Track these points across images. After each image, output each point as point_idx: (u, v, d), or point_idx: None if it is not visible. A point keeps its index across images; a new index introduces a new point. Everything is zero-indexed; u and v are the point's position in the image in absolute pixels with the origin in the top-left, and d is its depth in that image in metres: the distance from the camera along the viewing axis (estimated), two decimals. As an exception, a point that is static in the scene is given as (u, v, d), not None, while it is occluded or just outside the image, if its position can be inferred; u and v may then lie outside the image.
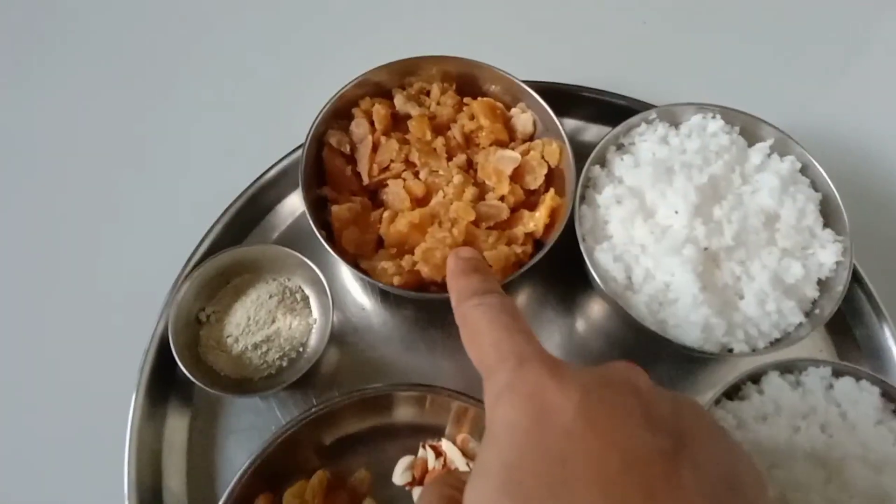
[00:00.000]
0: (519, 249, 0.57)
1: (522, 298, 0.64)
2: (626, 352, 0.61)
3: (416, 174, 0.60)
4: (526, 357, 0.31)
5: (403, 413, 0.57)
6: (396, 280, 0.54)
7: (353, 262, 0.56)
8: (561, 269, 0.62)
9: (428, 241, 0.56)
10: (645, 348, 0.60)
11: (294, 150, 0.65)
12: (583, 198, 0.59)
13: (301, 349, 0.60)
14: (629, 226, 0.57)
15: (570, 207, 0.57)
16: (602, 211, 0.58)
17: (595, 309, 0.63)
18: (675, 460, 0.27)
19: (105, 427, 0.56)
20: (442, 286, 0.56)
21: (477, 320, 0.35)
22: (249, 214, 0.65)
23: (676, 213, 0.56)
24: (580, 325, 0.63)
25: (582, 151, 0.60)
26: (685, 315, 0.54)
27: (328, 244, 0.55)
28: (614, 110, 0.69)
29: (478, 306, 0.36)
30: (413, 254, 0.56)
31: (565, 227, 0.57)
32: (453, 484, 0.34)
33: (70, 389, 0.60)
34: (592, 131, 0.71)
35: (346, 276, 0.64)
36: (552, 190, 0.60)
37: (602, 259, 0.56)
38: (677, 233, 0.55)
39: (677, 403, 0.31)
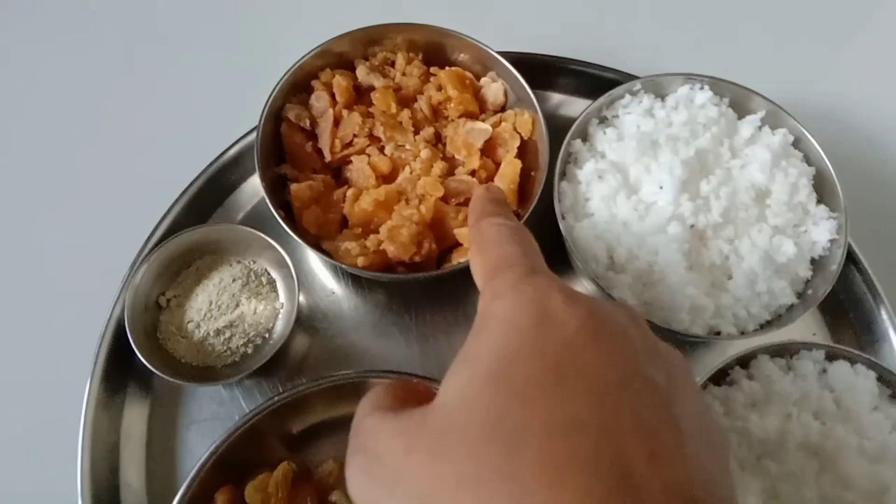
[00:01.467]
0: (493, 228, 0.54)
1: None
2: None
3: (381, 149, 0.57)
4: (539, 269, 0.30)
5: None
6: (361, 261, 0.51)
7: (315, 244, 0.53)
8: (540, 248, 0.59)
9: (394, 219, 0.52)
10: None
11: (255, 128, 0.62)
12: (563, 174, 0.56)
13: (267, 335, 0.57)
14: (611, 203, 0.53)
15: (543, 181, 0.54)
16: (583, 187, 0.55)
17: (578, 290, 0.60)
18: (666, 396, 0.27)
19: (57, 418, 0.53)
20: (410, 266, 0.53)
21: (494, 234, 0.33)
22: (211, 194, 0.61)
23: (661, 188, 0.53)
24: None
25: (564, 126, 0.57)
26: (671, 296, 0.51)
27: (287, 225, 0.51)
28: (600, 83, 0.65)
29: (498, 225, 0.34)
30: (378, 233, 0.53)
31: (544, 205, 0.53)
32: (407, 387, 0.32)
33: (19, 378, 0.58)
34: (576, 105, 0.68)
35: (314, 259, 0.60)
36: (508, 155, 0.57)
37: (583, 237, 0.53)
38: (662, 209, 0.52)
39: (669, 352, 0.31)
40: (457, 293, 0.59)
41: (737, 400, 0.48)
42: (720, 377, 0.50)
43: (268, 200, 0.52)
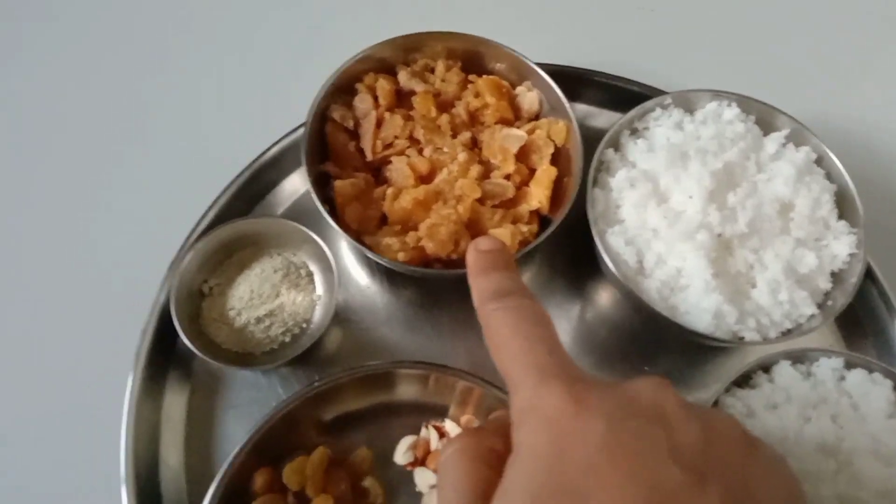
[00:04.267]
0: (525, 228, 0.56)
1: (527, 281, 0.63)
2: (634, 339, 0.60)
3: (420, 151, 0.59)
4: (547, 372, 0.29)
5: (406, 391, 0.56)
6: (401, 256, 0.54)
7: (357, 238, 0.55)
8: (569, 254, 0.62)
9: (433, 218, 0.55)
10: (654, 336, 0.60)
11: (299, 126, 0.64)
12: (595, 181, 0.58)
13: (304, 325, 0.59)
14: (642, 210, 0.56)
15: (578, 187, 0.56)
16: (615, 195, 0.57)
17: (603, 295, 0.62)
18: (703, 494, 0.27)
19: (102, 401, 0.55)
20: (447, 263, 0.55)
21: (498, 327, 0.33)
22: (254, 189, 0.64)
23: (690, 198, 0.55)
24: (588, 311, 0.62)
25: (592, 136, 0.59)
26: (696, 301, 0.53)
27: (331, 218, 0.54)
28: (627, 96, 0.68)
29: (497, 310, 0.33)
30: (417, 230, 0.55)
31: (575, 212, 0.56)
32: (487, 459, 0.31)
33: (67, 362, 0.59)
34: (603, 117, 0.70)
35: (349, 254, 0.63)
36: (543, 162, 0.59)
37: (613, 242, 0.55)
38: (691, 218, 0.54)
39: (708, 425, 0.30)
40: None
41: (758, 402, 0.50)
42: (743, 381, 0.52)
43: (313, 194, 0.54)
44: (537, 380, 0.29)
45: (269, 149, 0.64)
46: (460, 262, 0.56)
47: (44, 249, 0.65)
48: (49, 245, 0.65)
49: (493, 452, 0.31)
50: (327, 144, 0.59)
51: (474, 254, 0.37)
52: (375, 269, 0.62)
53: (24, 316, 0.62)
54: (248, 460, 0.51)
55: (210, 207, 0.61)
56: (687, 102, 0.62)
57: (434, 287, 0.61)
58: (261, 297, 0.58)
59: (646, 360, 0.60)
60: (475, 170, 0.58)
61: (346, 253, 0.63)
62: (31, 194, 0.67)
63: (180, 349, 0.58)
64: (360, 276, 0.62)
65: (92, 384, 0.57)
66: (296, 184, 0.65)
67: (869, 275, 0.60)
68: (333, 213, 0.56)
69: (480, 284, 0.35)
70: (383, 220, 0.58)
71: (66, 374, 0.59)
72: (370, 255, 0.53)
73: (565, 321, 0.61)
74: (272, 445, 0.52)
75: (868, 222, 0.57)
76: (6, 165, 0.69)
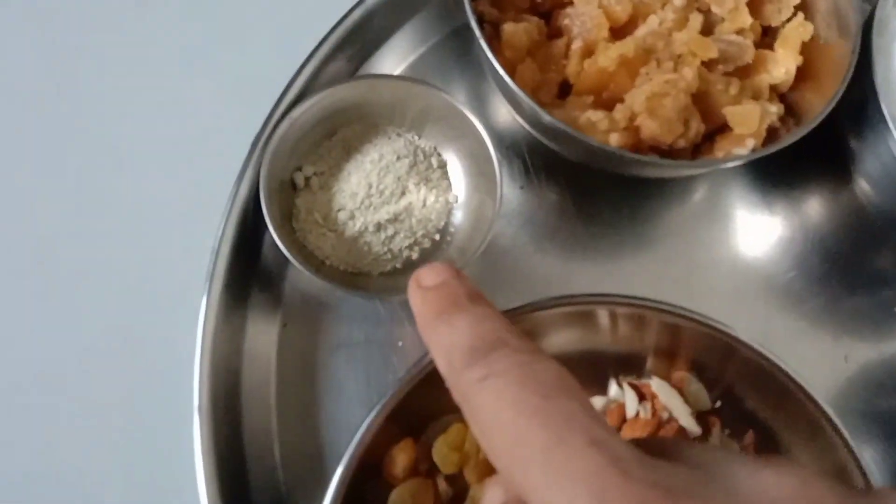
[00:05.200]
0: (773, 108, 0.39)
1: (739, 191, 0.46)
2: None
3: (615, -10, 0.41)
4: (607, 485, 0.17)
5: (582, 336, 0.40)
6: (614, 139, 0.36)
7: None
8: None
9: (654, 86, 0.37)
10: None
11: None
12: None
13: (437, 236, 0.42)
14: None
15: (855, 58, 0.38)
16: (897, 63, 0.40)
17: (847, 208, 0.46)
18: None
19: (169, 334, 0.39)
20: (664, 153, 0.38)
21: (493, 410, 0.19)
22: (358, 42, 0.45)
23: None
24: (822, 234, 0.45)
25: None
26: None
27: (510, 79, 0.36)
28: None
29: (486, 382, 0.20)
30: (622, 102, 0.38)
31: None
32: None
33: (126, 285, 0.43)
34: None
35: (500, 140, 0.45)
36: (800, 16, 0.41)
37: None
38: None
39: None
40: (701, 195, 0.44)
41: None
42: None
43: (481, 40, 0.36)
44: (565, 484, 0.17)
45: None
46: (682, 154, 0.39)
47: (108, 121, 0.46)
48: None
49: None
50: (482, -26, 0.41)
51: (420, 294, 0.23)
52: (532, 164, 0.45)
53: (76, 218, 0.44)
54: (383, 431, 0.35)
55: (300, 70, 0.42)
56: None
57: (612, 190, 0.44)
58: (381, 195, 0.40)
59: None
60: (696, 20, 0.40)
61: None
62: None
63: (267, 265, 0.41)
64: (507, 174, 0.45)
65: (157, 315, 0.41)
66: (422, 31, 0.46)
67: None
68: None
69: (443, 340, 0.22)
70: (564, 87, 0.40)
71: (125, 305, 0.42)
72: (575, 134, 0.35)
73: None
74: (415, 410, 0.36)
75: None
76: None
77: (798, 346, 0.43)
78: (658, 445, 0.21)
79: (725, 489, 0.19)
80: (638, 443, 0.20)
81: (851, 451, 0.35)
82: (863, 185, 0.44)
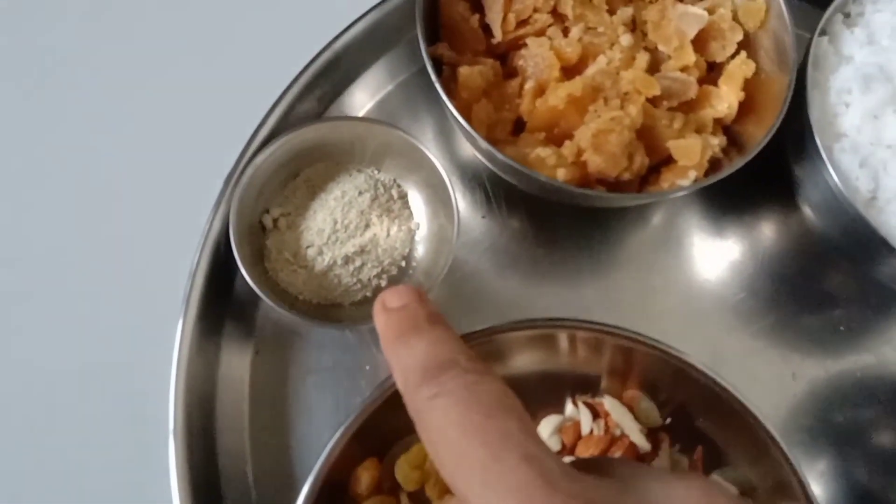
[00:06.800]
0: (715, 140, 0.42)
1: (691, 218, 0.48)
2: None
3: (566, 31, 0.43)
4: (532, 495, 0.20)
5: (543, 358, 0.42)
6: (562, 174, 0.39)
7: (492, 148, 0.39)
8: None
9: (600, 123, 0.39)
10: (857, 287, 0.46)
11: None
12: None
13: (403, 263, 0.44)
14: (875, 120, 0.41)
15: (790, 91, 0.41)
16: (832, 98, 0.42)
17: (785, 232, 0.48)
18: None
19: (144, 363, 0.41)
20: (612, 185, 0.41)
21: (441, 426, 0.22)
22: (328, 82, 0.47)
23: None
24: (771, 257, 0.48)
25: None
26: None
27: (463, 119, 0.38)
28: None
29: (436, 399, 0.22)
30: (571, 139, 0.40)
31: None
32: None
33: (104, 316, 0.45)
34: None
35: (458, 174, 0.47)
36: (743, 54, 0.44)
37: (844, 162, 0.40)
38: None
39: None
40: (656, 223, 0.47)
41: None
42: None
43: (436, 82, 0.38)
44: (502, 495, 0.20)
45: (350, 26, 0.47)
46: (628, 186, 0.41)
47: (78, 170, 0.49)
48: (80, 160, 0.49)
49: None
50: (439, 18, 0.43)
51: (384, 316, 0.25)
52: (493, 194, 0.47)
53: (52, 251, 0.47)
54: (348, 450, 0.37)
55: (267, 115, 0.44)
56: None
57: (575, 219, 0.47)
58: (347, 230, 0.43)
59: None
60: (642, 59, 0.42)
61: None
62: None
63: (239, 295, 0.43)
64: (470, 203, 0.47)
65: (134, 343, 0.43)
66: (379, 78, 0.49)
67: None
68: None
69: (403, 360, 0.24)
70: (517, 125, 0.42)
71: (103, 333, 0.45)
72: (524, 170, 0.38)
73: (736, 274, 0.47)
74: (378, 430, 0.38)
75: None
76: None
77: (748, 365, 0.45)
78: (592, 463, 0.24)
79: (639, 499, 0.21)
80: (575, 462, 0.22)
81: (794, 470, 0.37)
82: (807, 211, 0.46)
